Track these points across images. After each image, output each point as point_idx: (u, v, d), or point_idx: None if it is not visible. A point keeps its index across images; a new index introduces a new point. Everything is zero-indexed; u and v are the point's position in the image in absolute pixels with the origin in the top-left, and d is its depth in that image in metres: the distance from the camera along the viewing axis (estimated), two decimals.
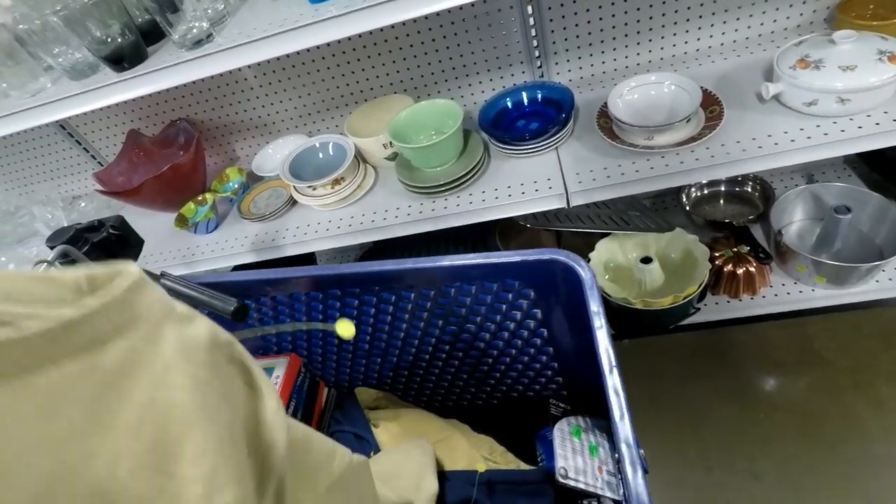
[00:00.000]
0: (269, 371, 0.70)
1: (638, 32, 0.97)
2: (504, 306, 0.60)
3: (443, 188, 0.89)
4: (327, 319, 0.67)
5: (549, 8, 0.94)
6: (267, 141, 1.20)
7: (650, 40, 0.98)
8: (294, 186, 0.99)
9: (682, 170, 0.76)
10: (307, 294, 0.64)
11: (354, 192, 1.00)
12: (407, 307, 0.63)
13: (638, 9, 0.94)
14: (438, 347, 0.69)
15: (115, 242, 0.60)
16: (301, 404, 0.71)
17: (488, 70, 1.04)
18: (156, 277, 0.54)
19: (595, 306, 0.48)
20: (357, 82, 1.08)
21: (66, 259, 0.54)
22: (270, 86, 1.10)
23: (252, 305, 0.68)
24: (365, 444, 0.67)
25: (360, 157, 1.03)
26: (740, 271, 1.02)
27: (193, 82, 1.10)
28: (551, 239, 1.22)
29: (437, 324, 0.65)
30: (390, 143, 1.00)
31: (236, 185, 1.12)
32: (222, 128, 1.19)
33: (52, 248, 0.55)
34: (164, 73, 0.71)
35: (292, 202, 1.04)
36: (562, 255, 0.52)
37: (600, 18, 0.95)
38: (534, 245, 0.89)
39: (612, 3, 0.93)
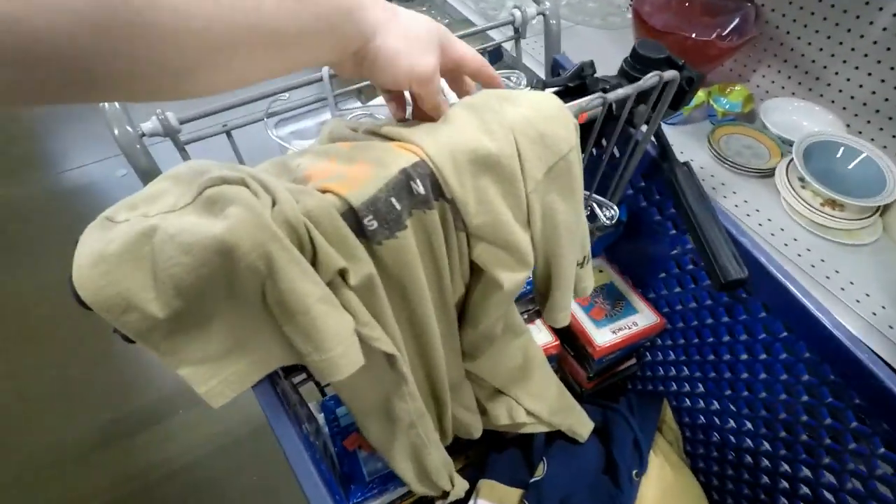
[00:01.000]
0: (630, 310, 0.62)
1: None
2: None
3: None
4: None
5: None
6: (794, 92, 0.97)
7: None
8: (801, 178, 0.77)
9: None
10: None
11: (847, 230, 0.76)
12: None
13: None
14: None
15: None
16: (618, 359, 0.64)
17: None
18: None
19: None
20: None
21: None
22: None
23: None
24: (636, 457, 0.58)
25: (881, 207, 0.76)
26: None
27: None
28: None
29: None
30: None
31: (730, 108, 0.94)
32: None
33: None
34: None
35: (767, 174, 0.84)
36: None
37: None
38: None
39: None
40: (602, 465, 0.59)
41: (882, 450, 0.43)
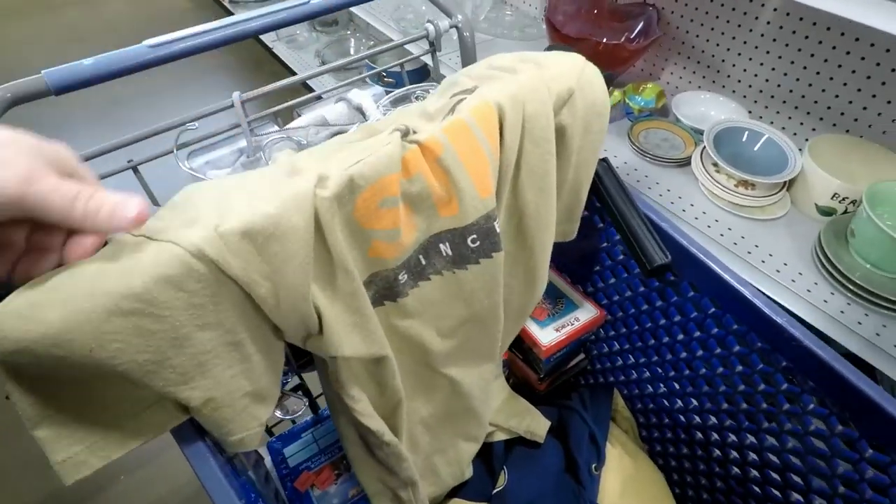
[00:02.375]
0: (571, 307, 0.63)
1: None
2: None
3: None
4: None
5: None
6: (700, 85, 1.04)
7: None
8: (714, 163, 0.83)
9: None
10: None
11: (760, 207, 0.81)
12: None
13: None
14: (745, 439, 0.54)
15: None
16: (566, 356, 0.65)
17: None
18: None
19: None
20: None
21: None
22: None
23: None
24: (594, 451, 0.59)
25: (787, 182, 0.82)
26: None
27: None
28: None
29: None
30: (844, 199, 0.77)
31: (644, 105, 1.00)
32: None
33: None
34: None
35: (685, 163, 0.89)
36: None
37: None
38: None
39: None
40: (563, 464, 0.59)
41: (812, 406, 0.46)
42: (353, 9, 1.40)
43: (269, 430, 0.68)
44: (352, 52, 1.69)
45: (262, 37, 1.85)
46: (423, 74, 1.43)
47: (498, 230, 0.40)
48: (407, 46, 0.65)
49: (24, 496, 1.02)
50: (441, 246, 0.40)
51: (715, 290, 0.49)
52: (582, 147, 0.46)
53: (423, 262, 0.40)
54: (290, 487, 0.54)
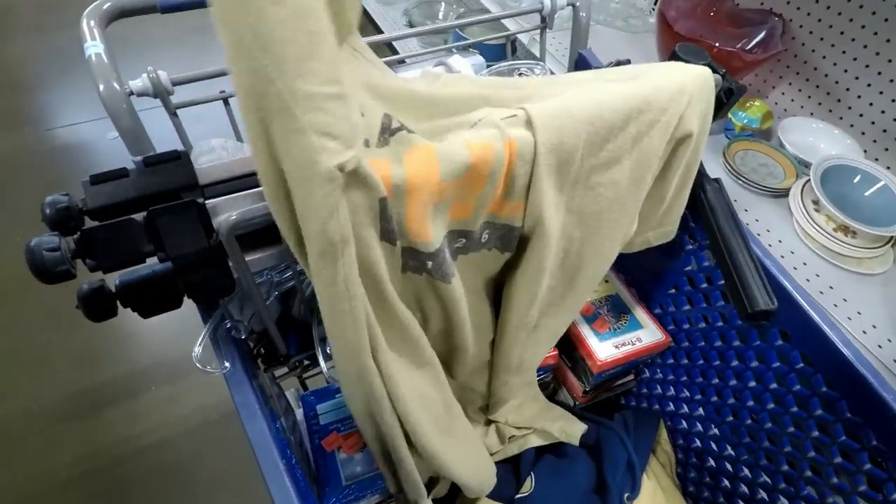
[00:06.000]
0: (635, 325, 0.59)
1: None
2: None
3: None
4: None
5: None
6: (813, 112, 0.94)
7: None
8: (815, 200, 0.75)
9: None
10: None
11: (858, 259, 0.74)
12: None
13: None
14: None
15: None
16: (617, 374, 0.61)
17: None
18: None
19: None
20: None
21: None
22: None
23: None
24: (629, 479, 0.56)
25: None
26: None
27: None
28: None
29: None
30: None
31: (748, 123, 0.91)
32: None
33: None
34: None
35: (782, 194, 0.82)
36: None
37: None
38: None
39: None
40: (592, 484, 0.56)
41: (894, 496, 0.41)
42: None
43: (303, 383, 0.68)
44: (440, 16, 1.63)
45: None
46: (503, 51, 1.37)
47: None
48: (506, 22, 0.61)
49: (65, 387, 1.08)
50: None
51: (811, 346, 0.44)
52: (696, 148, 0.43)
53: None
54: (317, 444, 0.53)
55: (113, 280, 0.35)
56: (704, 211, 0.47)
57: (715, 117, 0.47)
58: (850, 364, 0.41)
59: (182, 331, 1.10)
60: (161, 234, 0.34)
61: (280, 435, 0.42)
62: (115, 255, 0.32)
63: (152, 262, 0.35)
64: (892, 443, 0.40)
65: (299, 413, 0.58)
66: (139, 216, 0.33)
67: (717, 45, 0.89)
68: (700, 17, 1.02)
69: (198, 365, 0.36)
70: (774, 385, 0.49)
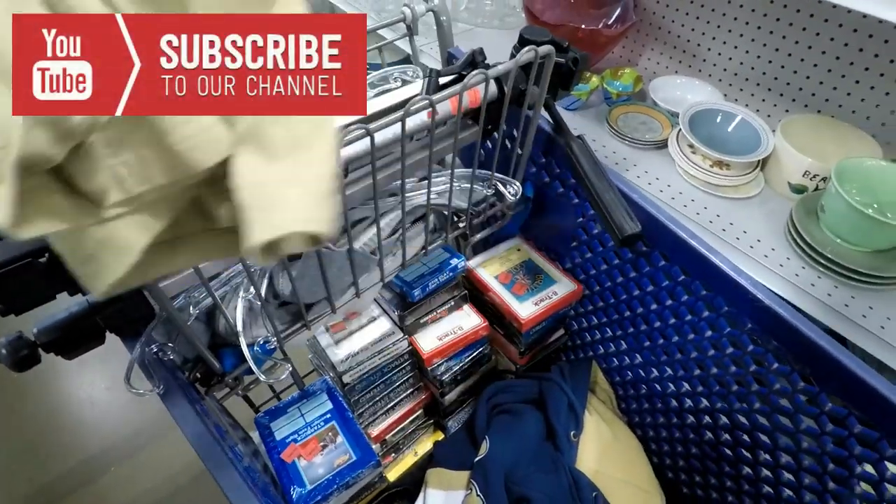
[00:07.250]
0: (549, 282, 0.65)
1: None
2: None
3: (876, 281, 0.67)
4: None
5: None
6: (676, 70, 1.06)
7: None
8: (690, 144, 0.85)
9: None
10: None
11: (735, 186, 0.84)
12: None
13: None
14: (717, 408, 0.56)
15: None
16: (545, 330, 0.66)
17: None
18: None
19: None
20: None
21: None
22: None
23: None
24: (572, 419, 0.61)
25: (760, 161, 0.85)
26: None
27: None
28: None
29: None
30: (815, 177, 0.79)
31: (622, 89, 1.01)
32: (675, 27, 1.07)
33: None
34: None
35: (662, 145, 0.91)
36: None
37: None
38: None
39: None
40: (542, 431, 0.61)
41: (775, 365, 0.48)
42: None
43: (251, 404, 0.69)
44: None
45: None
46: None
47: None
48: (382, 32, 0.67)
49: (17, 488, 1.02)
50: None
51: (684, 257, 0.51)
52: None
53: None
54: (276, 459, 0.55)
55: (30, 329, 0.37)
56: (574, 165, 0.53)
57: (568, 87, 0.54)
58: (712, 263, 0.48)
59: (129, 408, 1.08)
60: (70, 273, 0.36)
61: (247, 472, 0.43)
62: (22, 296, 0.34)
63: (63, 299, 0.37)
64: (760, 321, 0.47)
65: (255, 436, 0.60)
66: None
67: (582, 26, 0.98)
68: (563, 5, 1.12)
69: (129, 388, 0.37)
70: (669, 301, 0.56)
